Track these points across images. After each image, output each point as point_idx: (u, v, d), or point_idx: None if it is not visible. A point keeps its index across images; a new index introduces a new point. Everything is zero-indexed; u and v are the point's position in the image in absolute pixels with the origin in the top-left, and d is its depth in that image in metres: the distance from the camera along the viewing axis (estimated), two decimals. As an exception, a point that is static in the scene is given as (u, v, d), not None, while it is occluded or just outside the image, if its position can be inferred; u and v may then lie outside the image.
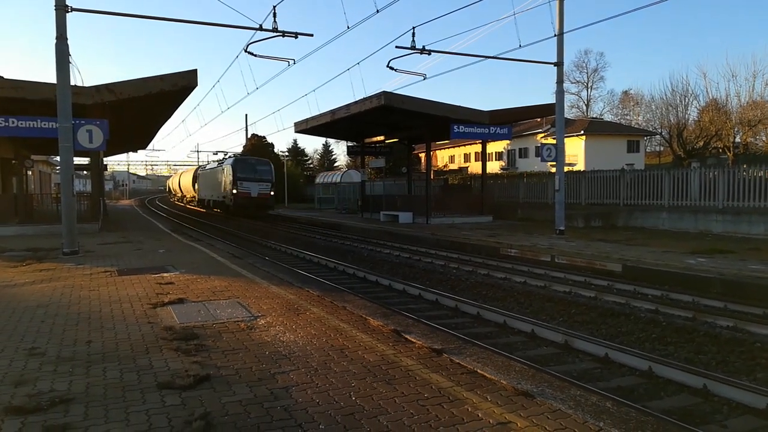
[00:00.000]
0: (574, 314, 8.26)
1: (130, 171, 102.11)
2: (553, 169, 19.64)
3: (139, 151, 59.30)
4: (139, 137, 32.28)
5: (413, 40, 16.50)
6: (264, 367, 4.56)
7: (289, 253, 15.88)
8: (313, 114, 27.39)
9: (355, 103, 22.73)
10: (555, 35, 17.19)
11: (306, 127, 28.12)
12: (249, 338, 5.43)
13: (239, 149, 57.41)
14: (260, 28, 14.84)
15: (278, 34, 14.98)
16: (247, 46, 16.16)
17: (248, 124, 57.26)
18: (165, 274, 9.42)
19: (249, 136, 56.32)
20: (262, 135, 57.03)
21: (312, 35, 16.04)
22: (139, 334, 5.55)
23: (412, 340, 5.42)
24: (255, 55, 16.45)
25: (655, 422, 3.70)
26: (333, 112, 24.89)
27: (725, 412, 4.86)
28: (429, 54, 17.01)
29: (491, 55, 19.06)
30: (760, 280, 9.15)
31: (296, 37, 15.31)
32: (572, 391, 4.14)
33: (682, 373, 5.49)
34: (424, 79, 19.26)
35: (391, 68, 17.75)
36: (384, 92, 20.75)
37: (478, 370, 4.52)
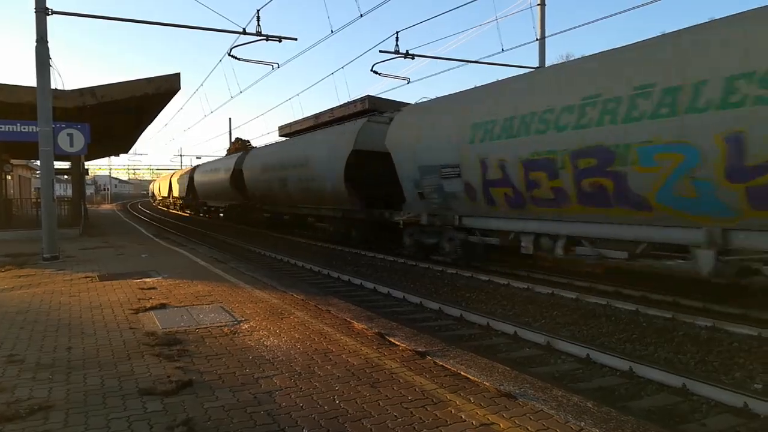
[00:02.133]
0: (557, 316, 8.33)
1: (112, 175, 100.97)
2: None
3: (121, 155, 58.45)
4: (121, 141, 31.94)
5: (397, 45, 16.61)
6: (247, 371, 4.55)
7: (273, 257, 15.82)
8: (297, 118, 27.39)
9: (340, 107, 22.76)
10: (537, 39, 17.39)
11: (290, 130, 28.06)
12: (232, 343, 5.41)
13: (223, 153, 56.83)
14: (244, 32, 14.83)
15: (262, 37, 14.99)
16: (231, 49, 16.15)
17: (232, 127, 56.93)
18: (147, 279, 9.34)
19: (233, 139, 56.05)
20: (246, 139, 56.73)
21: (296, 39, 16.04)
22: (120, 340, 5.50)
23: (396, 342, 5.44)
24: (238, 59, 16.44)
25: (635, 422, 3.75)
26: (317, 115, 24.89)
27: (704, 410, 4.94)
28: (413, 58, 17.13)
29: (474, 60, 19.23)
30: None
31: (280, 41, 15.32)
32: (554, 392, 4.18)
33: (662, 373, 5.57)
34: (408, 83, 19.38)
35: (375, 72, 17.84)
36: (368, 96, 20.81)
37: (462, 372, 4.55)
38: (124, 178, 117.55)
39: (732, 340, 6.77)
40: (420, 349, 5.17)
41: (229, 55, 16.26)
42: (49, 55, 12.61)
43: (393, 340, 5.52)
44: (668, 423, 4.67)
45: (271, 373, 4.50)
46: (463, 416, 3.68)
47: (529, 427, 3.50)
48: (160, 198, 64.24)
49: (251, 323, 6.21)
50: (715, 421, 4.74)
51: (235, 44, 15.86)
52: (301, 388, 4.18)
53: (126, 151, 42.36)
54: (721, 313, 7.96)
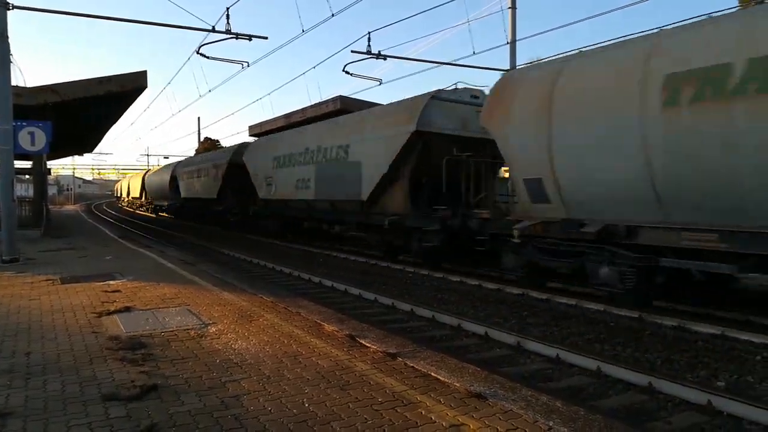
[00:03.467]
0: (527, 317, 8.40)
1: (76, 175, 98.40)
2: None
3: (85, 154, 56.88)
4: (86, 140, 31.19)
5: (369, 45, 16.61)
6: (214, 375, 4.45)
7: (242, 259, 15.61)
8: (268, 117, 27.14)
9: (311, 107, 22.65)
10: (508, 43, 17.56)
11: (261, 130, 27.81)
12: (199, 346, 5.29)
13: (191, 152, 55.91)
14: (213, 30, 14.62)
15: (231, 36, 14.79)
16: (200, 47, 15.89)
17: (201, 127, 56.11)
18: (111, 282, 9.11)
19: (202, 139, 55.22)
20: (215, 138, 55.94)
21: (266, 38, 15.88)
22: (82, 345, 5.34)
23: (367, 344, 5.40)
24: (207, 57, 16.20)
25: (602, 420, 3.79)
26: (288, 115, 24.72)
27: (669, 408, 5.02)
28: (385, 59, 17.13)
29: (445, 62, 19.36)
30: None
31: (250, 40, 15.15)
32: (523, 392, 4.20)
33: (629, 372, 5.65)
34: (380, 84, 19.41)
35: (347, 73, 17.80)
36: (340, 96, 20.77)
37: (432, 373, 4.54)
38: (89, 178, 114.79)
39: (697, 339, 6.92)
40: (391, 351, 5.15)
41: (197, 53, 16.01)
42: (9, 51, 12.22)
43: (364, 342, 5.48)
44: (635, 421, 4.73)
45: (239, 377, 4.41)
46: (433, 417, 3.66)
47: (498, 428, 3.51)
48: (123, 198, 63.39)
49: (219, 326, 6.10)
50: (680, 418, 4.82)
51: (204, 42, 15.64)
52: (269, 391, 4.11)
53: (90, 151, 41.38)
54: (686, 313, 8.13)
